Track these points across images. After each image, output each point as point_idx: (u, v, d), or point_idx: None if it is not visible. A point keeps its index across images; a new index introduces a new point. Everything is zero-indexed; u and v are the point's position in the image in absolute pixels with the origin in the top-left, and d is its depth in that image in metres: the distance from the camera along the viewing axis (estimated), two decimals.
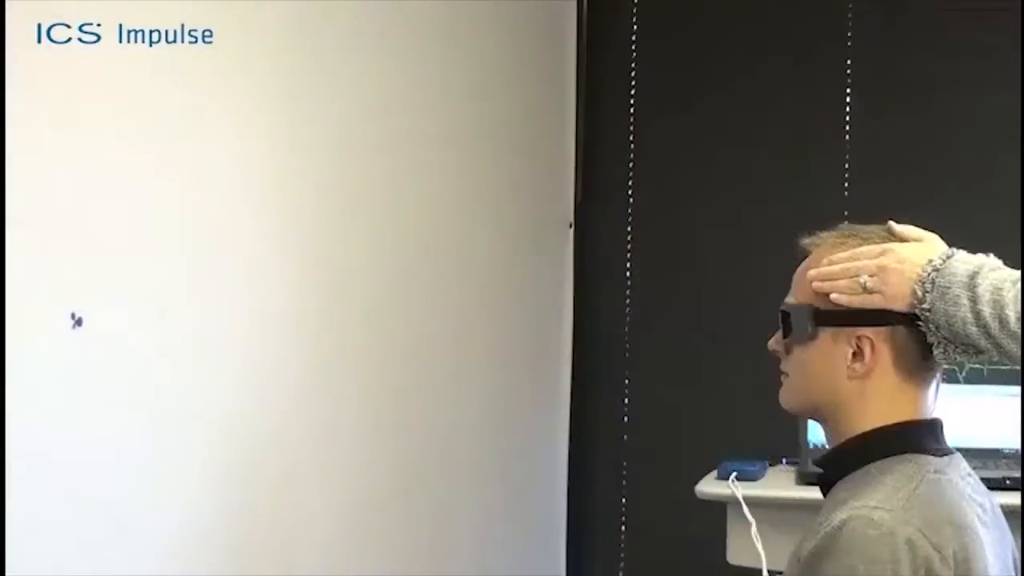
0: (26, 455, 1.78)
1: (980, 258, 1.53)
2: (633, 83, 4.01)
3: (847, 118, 3.86)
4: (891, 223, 1.62)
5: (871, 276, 1.55)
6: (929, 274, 1.51)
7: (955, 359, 1.54)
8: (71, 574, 1.90)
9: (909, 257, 1.54)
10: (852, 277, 1.56)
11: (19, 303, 1.75)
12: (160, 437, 2.12)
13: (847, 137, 3.87)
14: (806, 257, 1.65)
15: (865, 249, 1.58)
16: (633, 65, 4.01)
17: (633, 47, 4.01)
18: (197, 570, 2.21)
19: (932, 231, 1.62)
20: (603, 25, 4.02)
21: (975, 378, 3.12)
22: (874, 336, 1.56)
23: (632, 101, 4.01)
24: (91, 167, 1.93)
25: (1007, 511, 1.67)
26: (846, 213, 3.66)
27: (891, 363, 1.56)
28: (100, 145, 1.95)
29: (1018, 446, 3.10)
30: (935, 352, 1.53)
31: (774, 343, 1.66)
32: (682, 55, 4.01)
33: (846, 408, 1.58)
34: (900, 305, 1.53)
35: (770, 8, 3.93)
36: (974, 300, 1.47)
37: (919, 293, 1.51)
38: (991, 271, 1.49)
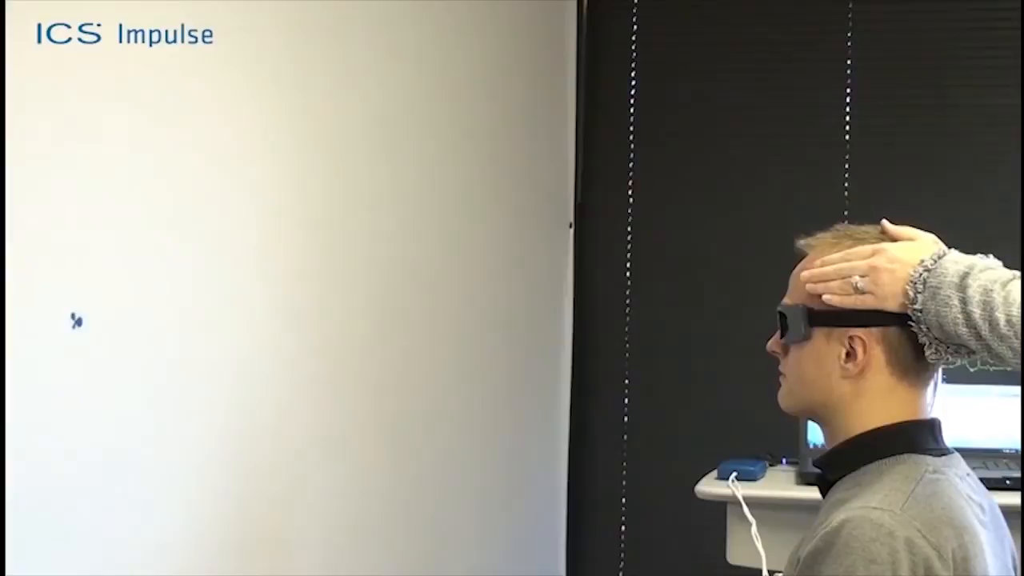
0: (26, 455, 1.78)
1: (972, 258, 1.53)
2: (633, 82, 4.01)
3: (847, 118, 3.87)
4: (884, 222, 1.63)
5: (863, 277, 1.55)
6: (920, 274, 1.51)
7: (948, 359, 1.54)
8: (71, 573, 1.90)
9: (901, 257, 1.54)
10: (844, 278, 1.56)
11: (19, 303, 1.75)
12: (160, 437, 2.12)
13: (847, 137, 3.87)
14: (803, 258, 1.65)
15: (857, 250, 1.58)
16: (633, 64, 4.01)
17: (633, 47, 4.01)
18: (196, 569, 2.21)
19: (931, 231, 1.62)
20: (603, 25, 4.02)
21: (976, 378, 3.11)
22: (866, 336, 1.56)
23: (632, 100, 4.01)
24: (91, 167, 1.93)
25: (1007, 511, 1.67)
26: (846, 213, 3.66)
27: (884, 363, 1.56)
28: (100, 145, 1.95)
29: (1018, 446, 3.10)
30: (927, 352, 1.54)
31: (772, 344, 1.66)
32: (682, 55, 4.02)
33: (842, 408, 1.59)
34: (892, 305, 1.53)
35: (770, 8, 3.93)
36: (964, 301, 1.47)
37: (910, 293, 1.51)
38: (982, 272, 1.49)
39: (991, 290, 1.46)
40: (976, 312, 1.46)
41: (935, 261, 1.52)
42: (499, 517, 3.59)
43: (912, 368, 1.56)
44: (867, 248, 1.58)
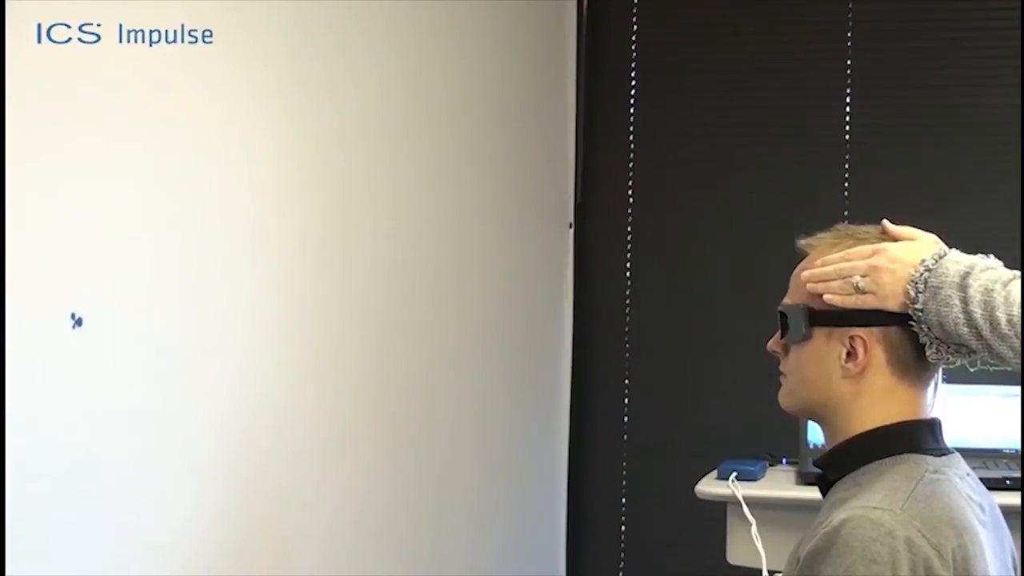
0: (26, 455, 1.78)
1: (973, 258, 1.53)
2: (633, 83, 4.01)
3: (847, 118, 3.87)
4: (885, 222, 1.63)
5: (863, 276, 1.55)
6: (921, 274, 1.51)
7: (948, 359, 1.54)
8: (71, 574, 1.90)
9: (901, 257, 1.54)
10: (845, 278, 1.57)
11: (19, 303, 1.75)
12: (160, 437, 2.12)
13: (847, 137, 3.87)
14: (803, 258, 1.65)
15: (857, 250, 1.59)
16: (633, 65, 4.01)
17: (633, 47, 4.01)
18: (196, 570, 2.21)
19: (931, 231, 1.62)
20: (603, 24, 4.02)
21: (976, 378, 3.12)
22: (867, 336, 1.56)
23: (632, 101, 4.01)
24: (91, 167, 1.93)
25: (1007, 511, 1.67)
26: (846, 213, 3.66)
27: (885, 362, 1.57)
28: (100, 145, 1.95)
29: (1018, 446, 3.10)
30: (928, 352, 1.54)
31: (773, 344, 1.67)
32: (682, 55, 4.02)
33: (842, 408, 1.59)
34: (893, 305, 1.54)
35: (770, 8, 3.93)
36: (965, 301, 1.47)
37: (911, 293, 1.51)
38: (983, 271, 1.49)
39: (992, 290, 1.47)
40: (977, 312, 1.46)
41: (936, 261, 1.52)
42: (499, 517, 3.59)
43: (913, 368, 1.57)
44: (867, 248, 1.58)
